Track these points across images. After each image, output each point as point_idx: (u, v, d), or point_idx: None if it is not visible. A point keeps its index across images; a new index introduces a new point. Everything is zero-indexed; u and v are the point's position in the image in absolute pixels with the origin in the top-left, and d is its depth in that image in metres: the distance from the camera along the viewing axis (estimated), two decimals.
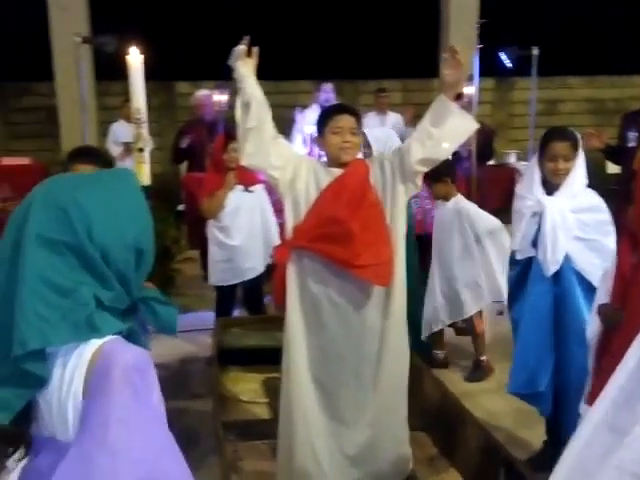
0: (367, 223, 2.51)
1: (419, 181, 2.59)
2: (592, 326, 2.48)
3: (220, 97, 6.60)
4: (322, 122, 2.65)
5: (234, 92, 2.66)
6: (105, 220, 1.17)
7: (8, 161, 4.33)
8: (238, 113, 2.55)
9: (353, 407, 2.69)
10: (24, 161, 5.41)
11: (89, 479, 1.06)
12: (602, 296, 2.45)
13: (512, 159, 8.07)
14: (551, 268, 2.90)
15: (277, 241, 4.42)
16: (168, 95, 9.45)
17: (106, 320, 1.17)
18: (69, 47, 7.12)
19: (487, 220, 4.10)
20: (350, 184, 2.54)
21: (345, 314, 2.61)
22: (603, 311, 2.40)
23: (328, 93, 6.53)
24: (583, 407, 2.25)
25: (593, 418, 1.50)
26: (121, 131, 7.81)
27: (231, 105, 6.99)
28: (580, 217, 2.91)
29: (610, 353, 2.24)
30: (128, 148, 7.59)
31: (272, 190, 4.88)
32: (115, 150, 7.80)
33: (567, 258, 2.90)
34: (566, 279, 2.91)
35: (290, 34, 9.17)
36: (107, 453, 1.06)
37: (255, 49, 2.56)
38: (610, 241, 2.88)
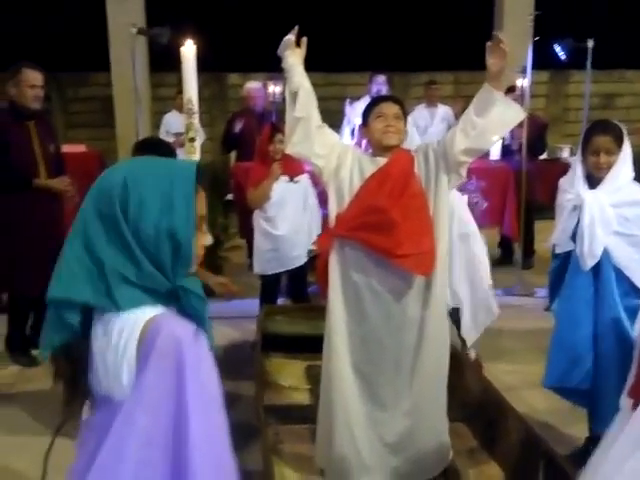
0: (409, 213, 2.52)
1: (464, 171, 2.59)
2: None
3: (275, 88, 6.66)
4: (367, 111, 2.68)
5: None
6: (142, 205, 1.25)
7: (65, 148, 4.48)
8: (287, 103, 2.60)
9: (392, 395, 2.71)
10: (80, 148, 5.58)
11: (127, 437, 1.17)
12: None
13: (565, 154, 7.90)
14: (588, 262, 2.88)
15: (320, 231, 4.47)
16: (219, 86, 9.59)
17: (126, 294, 1.25)
18: (125, 38, 7.29)
19: (462, 223, 3.89)
20: (394, 173, 2.55)
21: (386, 303, 2.63)
22: None
23: (380, 85, 6.49)
24: (624, 399, 2.22)
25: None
26: (173, 121, 7.96)
27: (284, 97, 7.11)
28: (621, 212, 2.88)
29: None
30: (180, 138, 7.79)
31: (317, 180, 4.95)
32: (167, 140, 7.98)
33: (606, 253, 2.87)
34: (605, 274, 2.89)
35: (341, 25, 9.17)
36: (144, 414, 1.17)
37: (304, 39, 2.59)
38: None
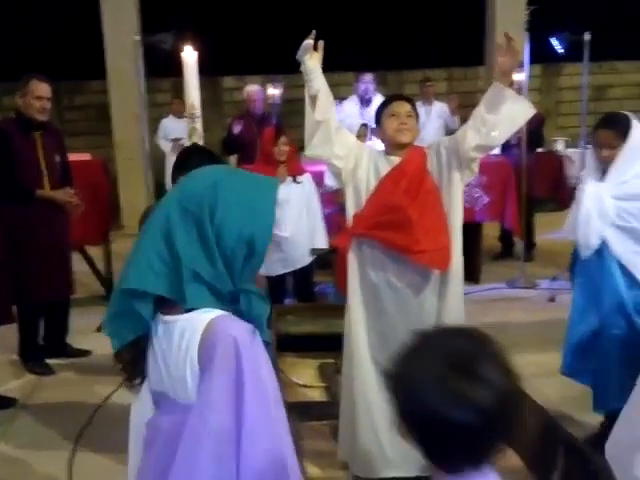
0: (425, 209, 2.57)
1: (475, 167, 2.65)
2: None
3: (274, 91, 6.69)
4: (379, 111, 2.73)
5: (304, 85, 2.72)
6: (229, 210, 1.30)
7: (69, 157, 4.51)
8: (307, 105, 2.63)
9: None
10: (85, 157, 5.62)
11: (201, 437, 1.22)
12: None
13: (560, 146, 8.00)
14: (583, 252, 2.96)
15: (323, 230, 4.57)
16: (214, 90, 9.62)
17: (197, 292, 1.29)
18: (121, 45, 7.35)
19: None
20: (408, 171, 2.60)
21: (404, 299, 2.68)
22: None
23: (367, 84, 6.52)
24: None
25: None
26: (171, 127, 8.01)
27: (284, 99, 7.16)
28: (623, 204, 2.93)
29: None
30: (178, 143, 7.82)
31: (319, 181, 5.02)
32: (165, 145, 8.02)
33: (606, 244, 2.94)
34: (606, 264, 2.96)
35: (333, 25, 9.22)
36: (214, 413, 1.22)
37: (321, 43, 2.63)
38: None
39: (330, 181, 5.18)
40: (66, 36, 8.79)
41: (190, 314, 1.30)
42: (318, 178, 5.00)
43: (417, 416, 1.07)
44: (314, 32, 2.59)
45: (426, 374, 1.06)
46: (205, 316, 1.29)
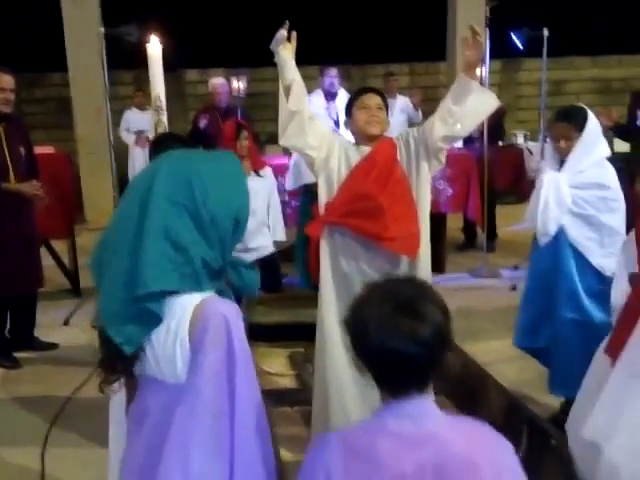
0: (395, 198, 2.65)
1: (443, 158, 2.73)
2: (617, 291, 2.61)
3: (238, 84, 6.72)
4: (350, 103, 2.80)
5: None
6: (217, 191, 1.37)
7: (35, 150, 4.48)
8: (281, 96, 2.67)
9: None
10: (49, 150, 5.56)
11: (198, 411, 1.28)
12: (630, 264, 2.58)
13: (520, 140, 8.19)
14: (542, 239, 3.10)
15: (282, 223, 4.74)
16: (177, 83, 9.56)
17: (207, 279, 1.36)
18: (84, 37, 7.25)
19: None
20: (378, 161, 2.67)
21: None
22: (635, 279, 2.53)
23: (332, 78, 6.57)
24: (600, 357, 2.43)
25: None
26: (134, 119, 7.95)
27: (248, 92, 7.17)
28: (580, 193, 3.07)
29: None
30: (142, 136, 7.77)
31: (281, 173, 5.12)
32: (128, 138, 7.96)
33: (563, 231, 3.09)
34: (561, 249, 3.11)
35: (298, 20, 9.25)
36: (210, 388, 1.29)
37: (294, 34, 2.67)
38: (613, 217, 3.05)
39: (288, 184, 5.35)
40: (25, 27, 8.63)
41: (177, 297, 1.35)
42: (278, 172, 5.12)
43: (369, 351, 1.24)
44: (287, 23, 2.63)
45: (375, 315, 1.22)
46: (193, 297, 1.35)
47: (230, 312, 1.34)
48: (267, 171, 4.67)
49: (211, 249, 1.36)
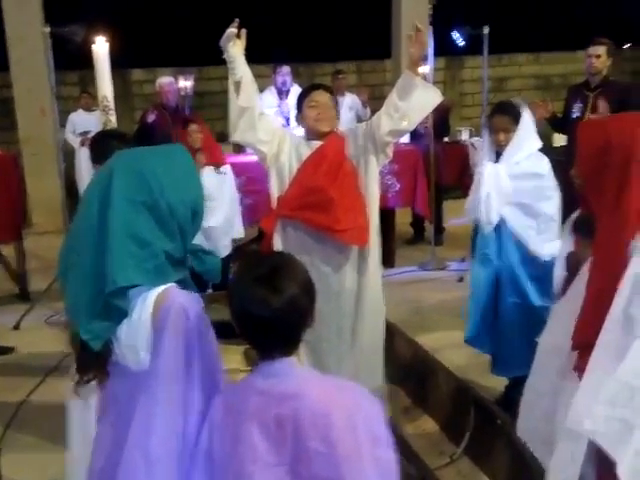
0: (344, 191, 2.73)
1: (390, 151, 2.83)
2: (558, 273, 2.74)
3: (185, 83, 6.71)
4: (300, 100, 2.87)
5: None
6: (172, 183, 1.43)
7: None
8: (230, 92, 2.72)
9: (336, 361, 2.93)
10: None
11: (157, 396, 1.35)
12: (567, 247, 2.71)
13: (465, 136, 8.38)
14: (486, 228, 3.24)
15: (240, 221, 4.74)
16: (123, 83, 9.43)
17: (171, 270, 1.43)
18: (26, 36, 7.11)
19: None
20: (328, 155, 2.75)
21: (325, 276, 2.83)
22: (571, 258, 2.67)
23: (285, 76, 6.66)
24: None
25: None
26: (79, 121, 7.82)
27: (195, 91, 7.15)
28: (518, 183, 3.20)
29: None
30: (87, 137, 7.65)
31: (240, 171, 5.12)
32: (73, 140, 7.83)
33: (503, 220, 3.22)
34: (503, 240, 3.24)
35: (246, 19, 9.27)
36: (171, 374, 1.37)
37: (243, 31, 2.72)
38: (548, 205, 3.20)
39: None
40: None
41: (140, 289, 1.41)
42: (238, 169, 5.13)
43: (238, 315, 1.38)
44: (237, 20, 2.68)
45: (242, 285, 1.38)
46: (154, 289, 1.42)
47: (189, 301, 1.41)
48: (227, 168, 4.69)
49: (172, 241, 1.42)
